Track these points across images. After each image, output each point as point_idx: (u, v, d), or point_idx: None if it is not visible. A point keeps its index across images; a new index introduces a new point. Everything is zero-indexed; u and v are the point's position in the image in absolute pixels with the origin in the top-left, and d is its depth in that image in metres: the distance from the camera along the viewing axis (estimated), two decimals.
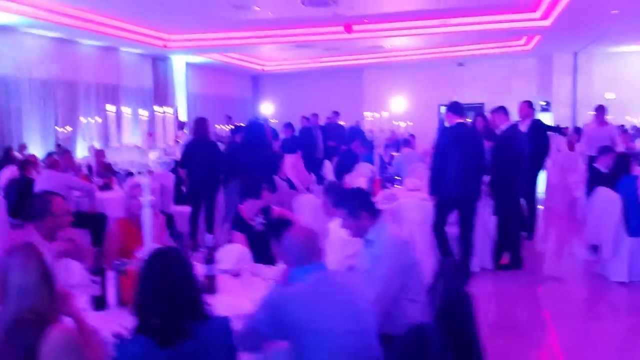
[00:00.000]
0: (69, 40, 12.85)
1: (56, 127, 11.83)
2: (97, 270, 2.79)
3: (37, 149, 11.50)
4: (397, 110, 19.58)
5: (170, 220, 6.58)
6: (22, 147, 10.72)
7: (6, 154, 9.76)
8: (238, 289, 3.03)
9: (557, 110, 16.83)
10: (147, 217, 3.01)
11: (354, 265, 3.13)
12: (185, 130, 12.74)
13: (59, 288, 2.32)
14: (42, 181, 6.08)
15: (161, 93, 16.11)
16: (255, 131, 7.58)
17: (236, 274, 3.20)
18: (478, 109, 18.95)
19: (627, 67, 16.41)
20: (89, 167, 8.13)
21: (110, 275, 2.87)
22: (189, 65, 17.14)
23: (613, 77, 16.26)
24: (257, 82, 21.70)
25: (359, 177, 6.89)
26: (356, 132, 12.88)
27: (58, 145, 11.32)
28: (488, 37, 14.97)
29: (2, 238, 5.94)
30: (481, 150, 5.56)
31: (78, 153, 12.30)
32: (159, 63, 15.99)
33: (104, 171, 7.84)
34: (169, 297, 1.90)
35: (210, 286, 2.92)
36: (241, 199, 3.66)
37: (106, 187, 6.89)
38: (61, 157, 7.37)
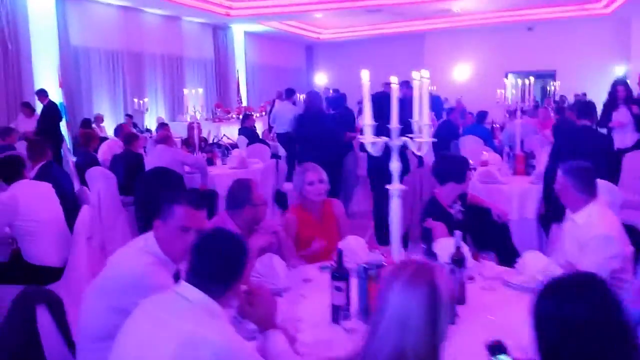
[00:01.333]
0: (135, 8, 12.52)
1: (134, 99, 11.49)
2: (341, 274, 2.21)
3: (108, 121, 11.27)
4: (460, 78, 18.92)
5: (284, 199, 6.23)
6: (99, 119, 10.50)
7: (85, 126, 9.53)
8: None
9: (635, 78, 15.88)
10: (396, 209, 2.40)
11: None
12: None
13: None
14: (154, 157, 5.75)
15: (222, 64, 15.72)
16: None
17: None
18: (550, 76, 18.22)
19: None
20: (185, 141, 7.81)
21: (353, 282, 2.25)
22: (246, 34, 16.67)
23: None
24: (310, 51, 21.13)
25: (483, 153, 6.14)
26: (436, 102, 12.31)
27: (128, 116, 11.07)
28: None
29: (113, 216, 5.66)
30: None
31: (147, 125, 12.06)
32: (219, 33, 15.58)
33: (207, 145, 7.52)
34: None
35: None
36: (440, 181, 3.20)
37: (209, 162, 6.54)
38: (161, 129, 7.06)
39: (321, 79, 20.79)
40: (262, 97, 16.42)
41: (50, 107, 8.94)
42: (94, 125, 10.02)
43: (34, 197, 3.57)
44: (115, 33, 12.10)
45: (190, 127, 7.93)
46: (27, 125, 8.61)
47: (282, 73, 18.62)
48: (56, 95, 9.85)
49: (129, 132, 6.85)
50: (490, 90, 16.67)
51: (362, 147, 6.34)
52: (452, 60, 18.69)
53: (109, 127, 10.86)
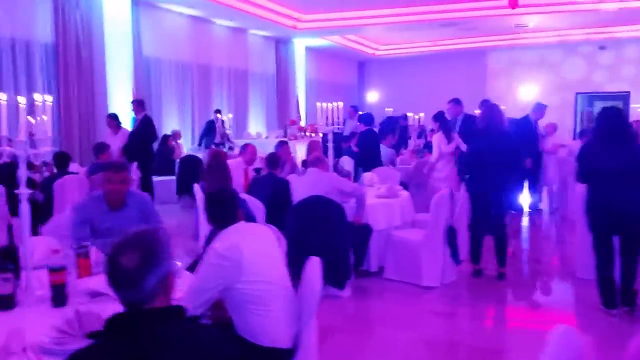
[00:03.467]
0: (205, 19, 11.86)
1: (217, 115, 10.63)
2: None
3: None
4: (525, 98, 18.01)
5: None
6: (177, 136, 9.71)
7: (165, 143, 8.72)
8: None
9: None
10: None
11: None
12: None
13: None
14: (307, 184, 4.87)
15: (282, 78, 14.97)
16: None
17: None
18: (621, 98, 17.30)
19: None
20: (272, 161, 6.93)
21: None
22: (307, 49, 15.95)
23: None
24: (362, 68, 20.36)
25: None
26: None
27: (225, 134, 10.14)
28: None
29: None
30: None
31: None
32: (281, 47, 14.87)
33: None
34: None
35: None
36: None
37: None
38: (279, 149, 6.19)
39: (373, 97, 20.02)
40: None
41: (147, 121, 8.05)
42: (173, 142, 9.23)
43: (259, 248, 2.71)
44: (186, 44, 11.39)
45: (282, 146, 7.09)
46: (113, 140, 7.71)
47: (337, 89, 17.86)
48: (128, 108, 9.06)
49: (274, 155, 5.86)
50: (559, 112, 15.85)
51: None
52: (516, 79, 17.82)
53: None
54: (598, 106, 17.57)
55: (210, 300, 2.63)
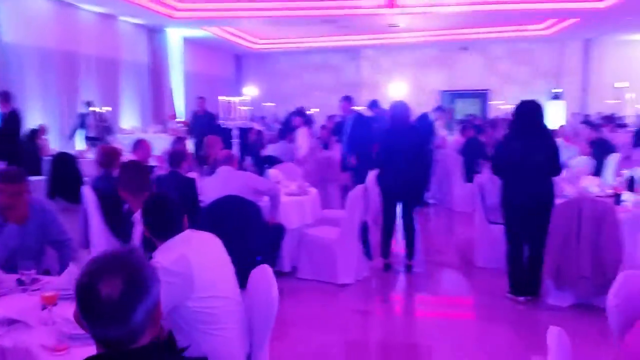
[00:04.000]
0: (69, 3, 10.78)
1: (89, 107, 9.63)
2: None
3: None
4: (395, 95, 18.74)
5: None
6: (42, 131, 8.71)
7: (32, 138, 7.82)
8: None
9: (568, 99, 16.70)
10: None
11: None
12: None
13: None
14: (218, 182, 4.52)
15: (157, 69, 14.14)
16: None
17: None
18: (481, 95, 18.65)
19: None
20: (199, 158, 6.50)
21: None
22: (185, 40, 15.21)
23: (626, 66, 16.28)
24: (240, 61, 19.93)
25: None
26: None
27: (105, 127, 9.25)
28: (505, 19, 14.33)
29: None
30: None
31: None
32: (154, 36, 14.03)
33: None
34: None
35: None
36: None
37: None
38: (178, 145, 5.74)
39: (251, 91, 19.68)
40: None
41: (14, 117, 7.03)
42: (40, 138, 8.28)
43: (209, 258, 2.40)
44: (50, 30, 10.29)
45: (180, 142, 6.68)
46: None
47: (214, 83, 17.30)
48: None
49: (178, 151, 5.31)
50: (425, 109, 16.74)
51: None
52: (388, 77, 18.50)
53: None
54: (459, 103, 18.88)
55: None
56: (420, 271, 5.55)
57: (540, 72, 17.27)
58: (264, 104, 18.41)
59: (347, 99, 8.29)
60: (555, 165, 4.42)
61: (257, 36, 17.64)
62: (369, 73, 18.65)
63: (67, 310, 2.26)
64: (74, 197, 8.12)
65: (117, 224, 4.37)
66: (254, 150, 8.15)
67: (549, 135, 4.54)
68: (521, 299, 4.60)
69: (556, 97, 16.73)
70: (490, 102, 17.91)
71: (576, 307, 4.41)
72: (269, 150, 8.48)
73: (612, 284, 2.22)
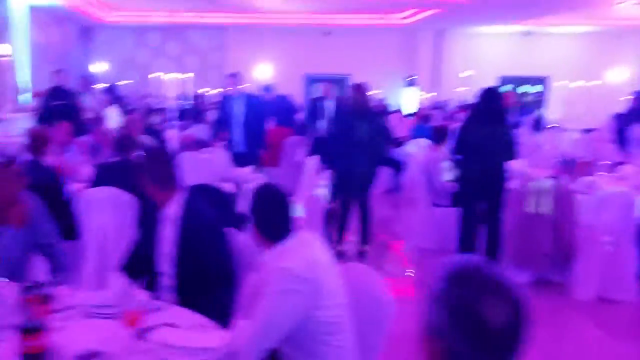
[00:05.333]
0: None
1: None
2: None
3: None
4: (262, 77, 18.47)
5: None
6: None
7: None
8: None
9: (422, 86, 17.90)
10: None
11: None
12: None
13: None
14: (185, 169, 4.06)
15: None
16: None
17: None
18: (344, 81, 19.15)
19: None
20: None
21: None
22: (32, 9, 13.37)
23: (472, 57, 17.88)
24: (87, 34, 18.09)
25: None
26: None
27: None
28: (366, 7, 14.89)
29: None
30: None
31: None
32: None
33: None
34: None
35: None
36: None
37: None
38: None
39: (101, 67, 18.01)
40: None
41: None
42: None
43: (327, 262, 2.14)
44: None
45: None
46: None
47: (62, 57, 15.53)
48: None
49: (38, 134, 4.56)
50: (290, 92, 16.88)
51: None
52: (254, 59, 18.19)
53: None
54: (317, 87, 19.26)
55: (278, 341, 1.97)
56: (372, 255, 5.58)
57: (395, 61, 18.24)
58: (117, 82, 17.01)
59: (235, 76, 7.82)
60: (513, 150, 4.73)
61: (110, 7, 16.15)
62: (234, 54, 18.19)
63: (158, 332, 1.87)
64: None
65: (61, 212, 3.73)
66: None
67: (506, 122, 4.83)
68: None
69: (411, 84, 17.85)
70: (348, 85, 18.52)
71: (534, 283, 4.79)
72: None
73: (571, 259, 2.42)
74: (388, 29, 17.53)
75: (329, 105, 9.86)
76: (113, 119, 6.91)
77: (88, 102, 9.17)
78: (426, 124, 9.09)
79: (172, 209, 2.58)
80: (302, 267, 1.99)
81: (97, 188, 4.04)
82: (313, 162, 5.97)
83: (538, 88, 18.79)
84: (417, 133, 8.51)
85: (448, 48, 18.08)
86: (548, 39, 17.82)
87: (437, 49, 18.06)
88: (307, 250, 2.08)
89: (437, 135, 5.72)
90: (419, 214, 5.86)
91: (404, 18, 16.32)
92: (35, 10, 13.69)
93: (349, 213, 5.39)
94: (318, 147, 7.01)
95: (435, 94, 17.74)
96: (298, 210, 4.99)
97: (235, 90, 7.56)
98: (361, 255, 5.44)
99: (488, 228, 4.88)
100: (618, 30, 16.58)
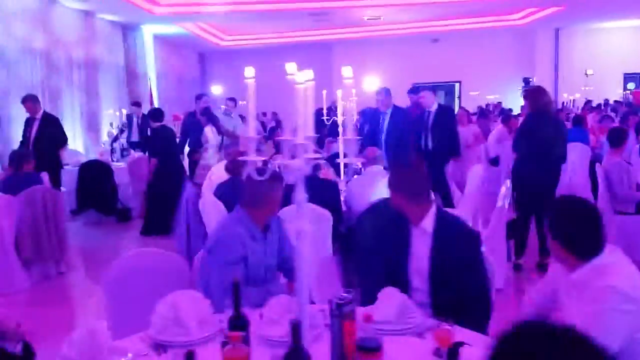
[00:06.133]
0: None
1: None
2: None
3: None
4: (369, 89, 18.44)
5: None
6: None
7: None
8: None
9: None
10: None
11: None
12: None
13: None
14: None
15: (132, 69, 13.08)
16: None
17: None
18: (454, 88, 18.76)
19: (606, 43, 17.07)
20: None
21: None
22: (155, 38, 14.21)
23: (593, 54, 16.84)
24: (204, 59, 18.96)
25: None
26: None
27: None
28: (478, 11, 14.39)
29: None
30: None
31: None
32: (129, 34, 12.93)
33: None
34: None
35: None
36: None
37: None
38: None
39: (217, 90, 18.76)
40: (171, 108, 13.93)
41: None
42: None
43: None
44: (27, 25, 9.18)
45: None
46: None
47: (181, 81, 16.36)
48: None
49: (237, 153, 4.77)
50: (399, 102, 16.57)
51: None
52: (360, 72, 18.19)
53: None
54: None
55: None
56: None
57: (510, 64, 17.52)
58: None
59: (386, 92, 7.75)
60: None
61: (225, 32, 16.82)
62: (340, 69, 18.27)
63: None
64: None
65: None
66: None
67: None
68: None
69: (527, 83, 17.09)
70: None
71: None
72: None
73: None
74: (500, 30, 16.92)
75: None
76: (211, 138, 7.57)
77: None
78: (580, 127, 8.52)
79: (427, 223, 2.46)
80: (629, 285, 1.79)
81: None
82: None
83: None
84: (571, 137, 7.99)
85: (567, 46, 17.15)
86: None
87: (556, 48, 17.19)
88: (628, 267, 1.88)
89: (616, 138, 5.27)
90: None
91: (521, 18, 15.68)
92: (157, 38, 14.49)
93: (529, 222, 5.15)
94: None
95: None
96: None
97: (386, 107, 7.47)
98: (541, 269, 5.11)
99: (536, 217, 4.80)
100: None
